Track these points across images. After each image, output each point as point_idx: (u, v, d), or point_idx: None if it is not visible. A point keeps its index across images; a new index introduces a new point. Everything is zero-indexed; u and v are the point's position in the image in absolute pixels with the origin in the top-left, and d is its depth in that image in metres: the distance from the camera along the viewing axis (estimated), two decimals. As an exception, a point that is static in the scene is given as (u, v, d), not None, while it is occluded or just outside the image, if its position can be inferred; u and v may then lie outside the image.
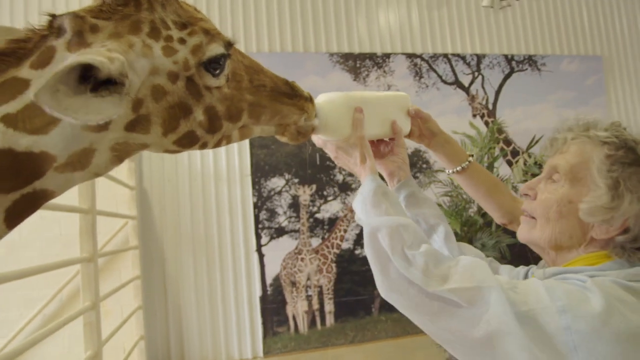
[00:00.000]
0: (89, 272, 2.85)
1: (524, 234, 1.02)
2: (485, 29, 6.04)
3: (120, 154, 0.74)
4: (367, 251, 0.96)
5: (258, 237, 5.11)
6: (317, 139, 1.15)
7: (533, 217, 0.99)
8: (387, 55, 5.68)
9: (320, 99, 1.09)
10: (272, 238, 5.15)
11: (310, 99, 1.02)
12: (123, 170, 4.39)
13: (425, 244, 0.94)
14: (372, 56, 5.63)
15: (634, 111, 6.56)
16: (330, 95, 1.10)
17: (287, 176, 5.28)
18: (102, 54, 0.60)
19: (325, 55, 5.50)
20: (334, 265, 5.27)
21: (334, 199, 5.38)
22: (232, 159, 5.14)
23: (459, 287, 0.84)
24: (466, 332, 0.82)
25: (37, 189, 0.67)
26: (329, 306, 5.19)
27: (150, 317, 4.67)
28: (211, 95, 0.80)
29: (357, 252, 5.37)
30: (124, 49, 0.67)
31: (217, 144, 0.87)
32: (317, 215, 5.31)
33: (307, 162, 5.34)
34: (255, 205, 5.14)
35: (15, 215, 0.66)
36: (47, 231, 4.37)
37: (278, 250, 5.15)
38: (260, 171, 5.19)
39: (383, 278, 0.93)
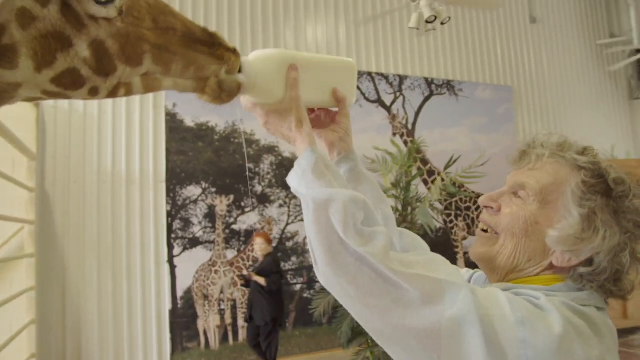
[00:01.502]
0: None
1: (480, 249, 0.94)
2: (409, 51, 6.24)
3: None
4: (311, 227, 0.80)
5: (170, 247, 4.85)
6: (245, 101, 1.00)
7: (495, 233, 0.92)
8: (313, 69, 5.68)
9: (251, 56, 0.97)
10: (185, 249, 4.92)
11: (234, 51, 0.89)
12: (22, 170, 4.00)
13: (379, 225, 0.83)
14: (298, 69, 5.61)
15: (537, 140, 7.05)
16: (263, 51, 0.98)
17: (204, 185, 5.08)
18: None
19: (251, 64, 5.39)
20: (249, 278, 5.12)
21: (252, 210, 5.26)
22: (147, 163, 4.87)
23: (424, 275, 0.75)
24: (420, 328, 0.72)
25: None
26: (242, 321, 5.02)
27: (44, 333, 4.25)
28: (98, 26, 0.67)
29: (274, 265, 5.25)
30: None
31: (114, 92, 0.74)
32: (234, 227, 5.16)
33: (245, 163, 5.20)
34: (169, 214, 4.89)
35: None
36: None
37: (191, 262, 4.92)
38: (175, 178, 4.96)
39: (329, 259, 0.77)
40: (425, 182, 5.91)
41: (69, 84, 0.67)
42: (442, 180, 4.52)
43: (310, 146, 0.91)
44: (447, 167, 4.72)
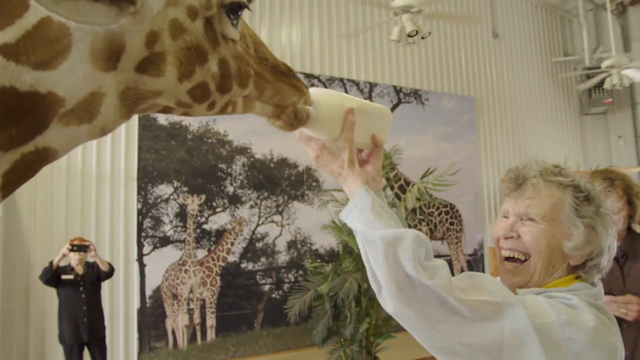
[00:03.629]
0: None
1: (516, 278, 1.07)
2: (379, 60, 6.42)
3: (129, 104, 0.64)
4: (381, 264, 0.91)
5: (140, 245, 4.80)
6: (299, 133, 1.07)
7: (519, 260, 1.07)
8: (286, 73, 5.76)
9: (316, 91, 1.04)
10: (155, 247, 4.88)
11: (306, 87, 0.97)
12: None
13: (435, 259, 0.96)
14: (272, 71, 5.66)
15: (497, 148, 7.40)
16: (326, 90, 1.06)
17: (176, 184, 5.06)
18: None
19: (225, 64, 5.41)
20: (218, 278, 5.13)
21: (223, 210, 5.27)
22: (118, 160, 4.80)
23: (484, 300, 0.89)
24: (485, 343, 0.86)
25: (39, 147, 0.56)
26: (210, 320, 5.03)
27: (7, 332, 4.13)
28: (227, 46, 0.72)
29: (242, 265, 5.29)
30: None
31: (224, 109, 0.79)
32: (205, 226, 5.16)
33: None
34: (140, 212, 4.84)
35: (14, 182, 0.55)
36: None
37: (161, 261, 4.89)
38: (147, 176, 4.91)
39: (398, 292, 0.89)
40: (392, 188, 6.10)
41: (198, 96, 0.70)
42: (418, 188, 4.69)
43: (363, 185, 1.01)
44: (423, 176, 4.92)
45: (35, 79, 0.52)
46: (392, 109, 6.41)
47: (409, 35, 4.02)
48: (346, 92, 6.04)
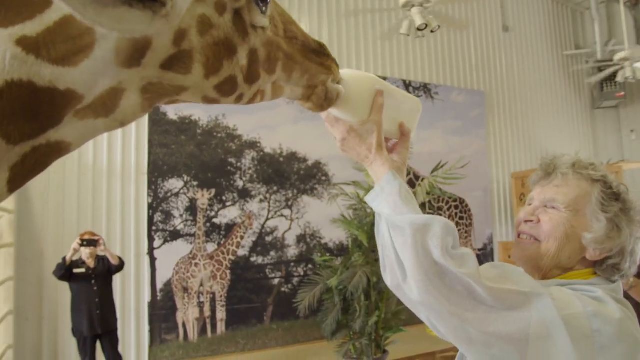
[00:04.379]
0: (-37, 268, 2.51)
1: (527, 252, 1.08)
2: (388, 53, 6.40)
3: (151, 97, 0.62)
4: (408, 250, 0.89)
5: (151, 239, 4.85)
6: (327, 115, 1.04)
7: (535, 240, 1.08)
8: (295, 67, 5.76)
9: (345, 72, 1.01)
10: (165, 241, 4.92)
11: (336, 63, 0.93)
12: (2, 157, 3.92)
13: (462, 247, 0.95)
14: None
15: (507, 143, 7.35)
16: (355, 71, 1.03)
17: (186, 178, 5.09)
18: None
19: (235, 59, 5.42)
20: (228, 272, 5.17)
21: (233, 204, 5.30)
22: (129, 155, 4.84)
23: (512, 289, 0.88)
24: (512, 333, 0.85)
25: (51, 140, 0.53)
26: (221, 314, 5.06)
27: (20, 325, 4.19)
28: (256, 36, 0.69)
29: (252, 259, 5.32)
30: None
31: (252, 99, 0.76)
32: (215, 220, 5.19)
33: None
34: (150, 206, 4.88)
35: (22, 175, 0.52)
36: None
37: (171, 254, 4.93)
38: (157, 171, 4.95)
39: (426, 279, 0.87)
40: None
41: (226, 90, 0.68)
42: (429, 182, 4.68)
43: (391, 170, 1.00)
44: (434, 171, 4.92)
45: (55, 74, 0.50)
46: (402, 103, 6.40)
47: (418, 29, 4.00)
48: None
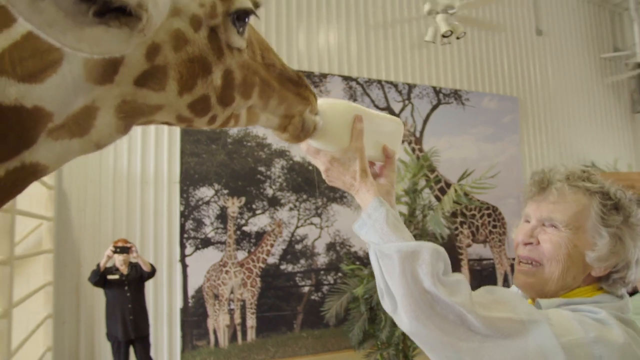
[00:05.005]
0: (3, 275, 2.63)
1: (530, 279, 1.02)
2: (417, 61, 6.37)
3: (126, 117, 0.60)
4: (398, 278, 0.86)
5: (182, 246, 4.95)
6: (307, 146, 1.02)
7: (533, 265, 1.02)
8: (324, 76, 5.81)
9: (322, 101, 1.00)
10: (197, 249, 5.02)
11: (315, 94, 0.92)
12: (42, 168, 4.09)
13: (454, 273, 0.92)
14: (309, 75, 5.73)
15: (541, 149, 7.18)
16: (332, 100, 1.02)
17: (216, 186, 5.19)
18: None
19: (264, 69, 5.50)
20: (258, 279, 5.22)
21: (263, 212, 5.36)
22: (161, 164, 4.97)
23: (507, 317, 0.84)
24: None
25: (26, 162, 0.52)
26: (251, 321, 5.12)
27: (59, 328, 4.35)
28: (232, 56, 0.68)
29: (282, 267, 5.36)
30: None
31: (226, 122, 0.75)
32: (245, 228, 5.26)
33: (315, 181, 5.31)
34: (182, 214, 4.99)
35: None
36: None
37: (202, 262, 5.02)
38: (189, 179, 5.06)
39: (416, 308, 0.84)
40: (431, 189, 6.04)
41: (199, 110, 0.67)
42: (455, 190, 4.62)
43: (377, 196, 0.96)
44: (460, 179, 4.84)
45: (21, 92, 0.49)
46: (432, 110, 6.36)
47: (443, 36, 3.96)
48: (384, 94, 6.03)
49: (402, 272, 0.86)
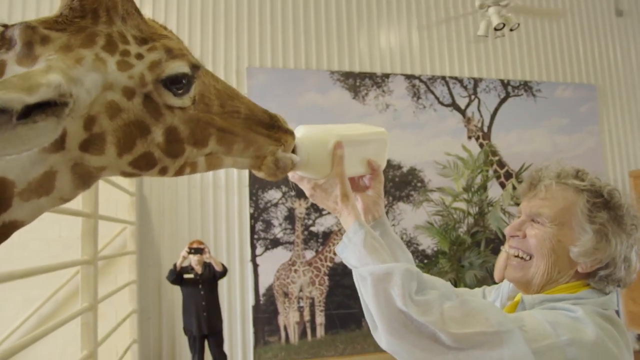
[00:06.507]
0: (88, 274, 2.94)
1: (518, 274, 1.06)
2: (483, 54, 6.21)
3: (82, 176, 0.70)
4: (372, 300, 0.91)
5: (253, 247, 5.21)
6: (293, 174, 1.08)
7: (523, 259, 1.06)
8: (386, 75, 5.83)
9: (299, 132, 1.04)
10: (266, 249, 5.25)
11: (291, 133, 0.96)
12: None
13: (431, 289, 0.96)
14: (371, 75, 5.78)
15: (625, 140, 6.71)
16: (310, 129, 1.06)
17: (283, 189, 5.39)
18: (16, 86, 0.53)
19: (326, 73, 5.64)
20: (326, 278, 5.37)
21: (329, 213, 5.46)
22: (231, 169, 5.25)
23: (481, 332, 0.86)
24: None
25: (5, 221, 0.64)
26: (320, 318, 5.27)
27: (144, 323, 4.76)
28: (173, 115, 0.74)
29: (349, 266, 5.46)
30: (69, 64, 0.63)
31: (180, 171, 0.80)
32: (312, 229, 5.42)
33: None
34: (252, 216, 5.25)
35: None
36: (45, 233, 4.47)
37: (272, 261, 5.25)
38: (257, 183, 5.31)
39: (391, 328, 0.88)
40: (502, 185, 5.87)
41: (143, 165, 0.74)
42: (513, 186, 4.49)
43: (357, 220, 1.02)
44: (519, 172, 4.69)
45: None
46: (500, 104, 6.17)
47: (495, 29, 3.87)
48: (449, 90, 5.95)
49: (375, 293, 0.90)
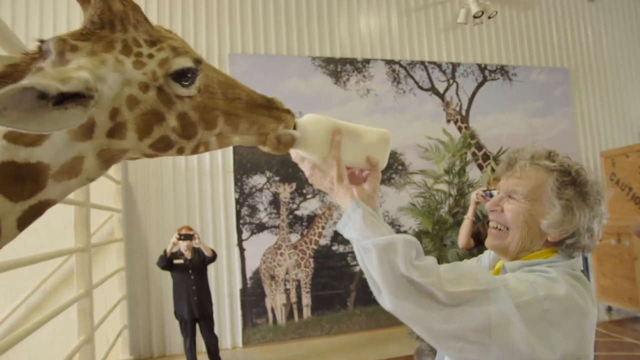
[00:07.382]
0: (83, 261, 3.00)
1: (496, 242, 1.23)
2: (461, 39, 6.34)
3: (106, 159, 0.82)
4: (376, 268, 1.02)
5: (239, 232, 5.29)
6: (294, 154, 1.18)
7: (501, 230, 1.22)
8: (366, 61, 5.92)
9: (305, 117, 1.15)
10: (252, 233, 5.34)
11: (289, 112, 1.08)
12: (110, 164, 4.51)
13: (426, 258, 1.07)
14: (352, 61, 5.87)
15: (597, 122, 6.96)
16: (317, 115, 1.16)
17: (268, 174, 5.47)
18: (53, 77, 0.66)
19: (307, 59, 5.70)
20: (311, 260, 5.49)
21: (313, 197, 5.60)
22: (216, 155, 5.31)
23: (472, 289, 1.00)
24: (477, 325, 0.98)
25: (42, 199, 0.77)
26: (306, 299, 5.41)
27: (133, 309, 4.81)
28: (182, 103, 0.87)
29: (334, 248, 5.60)
30: (95, 65, 0.76)
31: (195, 150, 0.93)
32: (297, 212, 5.53)
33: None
34: (237, 201, 5.32)
35: (25, 222, 0.77)
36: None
37: (258, 245, 5.35)
38: (242, 169, 5.37)
39: (396, 290, 1.00)
40: (480, 167, 6.05)
41: (162, 147, 0.87)
42: (492, 168, 4.66)
43: (353, 198, 1.12)
44: (498, 155, 4.87)
45: (28, 153, 0.74)
46: (477, 88, 6.33)
47: (474, 17, 3.97)
48: (428, 74, 6.07)
49: (380, 262, 1.01)
